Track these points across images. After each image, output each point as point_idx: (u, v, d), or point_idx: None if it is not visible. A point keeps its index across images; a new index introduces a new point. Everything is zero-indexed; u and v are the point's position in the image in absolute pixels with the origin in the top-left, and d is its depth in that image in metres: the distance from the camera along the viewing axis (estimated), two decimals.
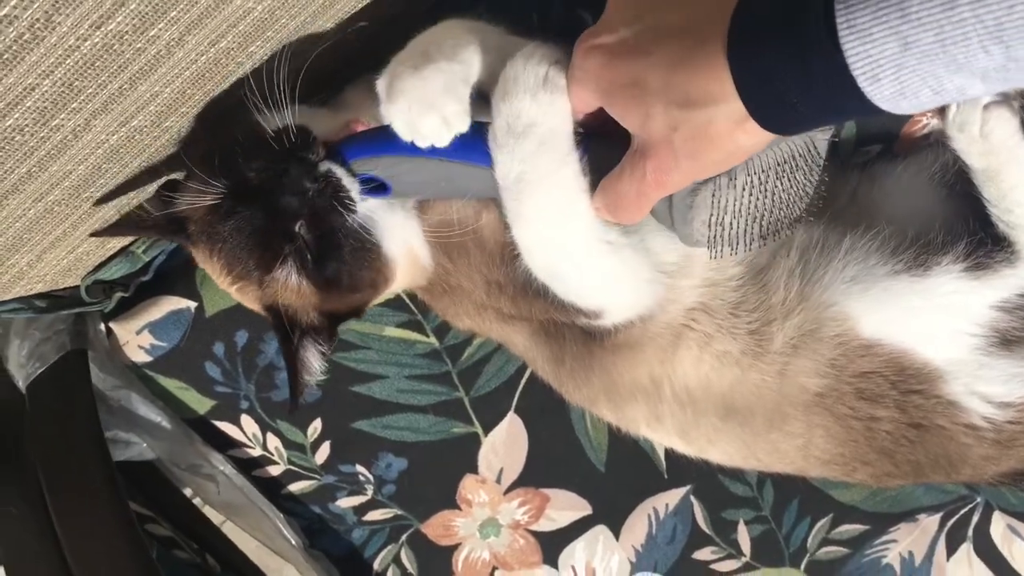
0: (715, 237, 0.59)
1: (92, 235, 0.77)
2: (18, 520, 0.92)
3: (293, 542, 1.02)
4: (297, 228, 0.65)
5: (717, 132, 0.49)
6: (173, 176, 0.75)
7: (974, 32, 0.37)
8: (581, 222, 0.61)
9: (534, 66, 0.57)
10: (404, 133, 0.61)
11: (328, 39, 0.73)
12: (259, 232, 0.66)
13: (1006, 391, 0.68)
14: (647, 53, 0.50)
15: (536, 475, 0.98)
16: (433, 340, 0.92)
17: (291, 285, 0.68)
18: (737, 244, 0.59)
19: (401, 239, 0.71)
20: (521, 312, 0.72)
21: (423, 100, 0.59)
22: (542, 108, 0.57)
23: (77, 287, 0.89)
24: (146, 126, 0.69)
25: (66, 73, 0.56)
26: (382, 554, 1.01)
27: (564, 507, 1.00)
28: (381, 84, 0.62)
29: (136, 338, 0.91)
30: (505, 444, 0.97)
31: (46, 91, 0.57)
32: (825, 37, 0.41)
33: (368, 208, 0.66)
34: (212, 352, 0.91)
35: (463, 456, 0.97)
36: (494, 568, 1.02)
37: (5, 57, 0.51)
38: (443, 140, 0.60)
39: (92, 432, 0.95)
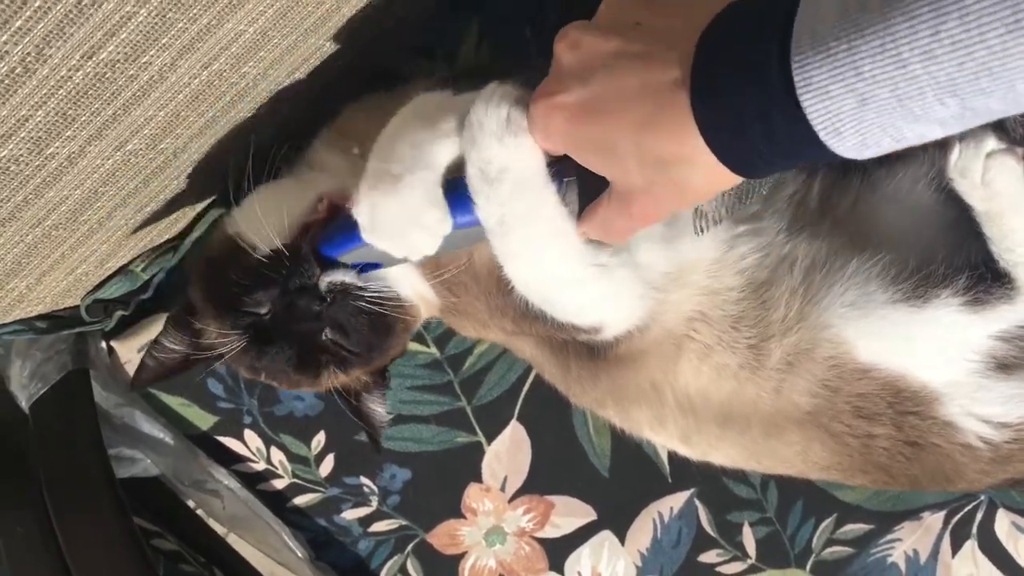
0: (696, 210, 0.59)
1: (132, 389, 0.84)
2: (24, 539, 0.92)
3: (299, 555, 1.02)
4: (324, 338, 0.69)
5: (694, 183, 0.49)
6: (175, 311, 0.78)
7: (928, 87, 0.38)
8: (569, 251, 0.61)
9: (495, 109, 0.56)
10: (397, 254, 0.63)
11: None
12: (293, 358, 0.70)
13: (1004, 412, 0.68)
14: (610, 114, 0.50)
15: (540, 482, 0.98)
16: (434, 350, 0.92)
17: (339, 378, 0.73)
18: (717, 211, 0.59)
19: (409, 284, 0.74)
20: (523, 330, 0.74)
21: (406, 223, 0.61)
22: (510, 152, 0.56)
23: (77, 307, 0.89)
24: (141, 149, 0.69)
25: (59, 103, 0.56)
26: (388, 564, 1.01)
27: (569, 513, 1.00)
28: (361, 214, 0.62)
29: (137, 356, 0.91)
30: (508, 452, 0.97)
31: (40, 121, 0.57)
32: (785, 95, 0.41)
33: (373, 280, 0.69)
34: (214, 368, 0.91)
35: (467, 465, 0.97)
36: None
37: None
38: (431, 248, 0.62)
39: (96, 451, 0.96)
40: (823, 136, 0.42)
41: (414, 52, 0.84)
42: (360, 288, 0.67)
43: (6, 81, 0.51)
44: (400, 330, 0.73)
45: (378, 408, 0.79)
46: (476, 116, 0.57)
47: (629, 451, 0.96)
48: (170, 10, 0.56)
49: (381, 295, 0.68)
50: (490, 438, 0.96)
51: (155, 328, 0.91)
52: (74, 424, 0.94)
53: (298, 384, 0.74)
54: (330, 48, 0.75)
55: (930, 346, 0.68)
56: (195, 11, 0.57)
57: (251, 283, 0.68)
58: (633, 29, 0.50)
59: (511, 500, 0.99)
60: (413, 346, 0.91)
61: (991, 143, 0.62)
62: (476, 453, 0.97)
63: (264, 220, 0.68)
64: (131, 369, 0.93)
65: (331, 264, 0.66)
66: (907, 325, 0.67)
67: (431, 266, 0.72)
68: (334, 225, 0.67)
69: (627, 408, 0.80)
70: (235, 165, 0.76)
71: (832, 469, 0.76)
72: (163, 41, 0.58)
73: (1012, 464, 0.71)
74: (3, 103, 0.52)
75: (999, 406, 0.68)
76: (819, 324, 0.70)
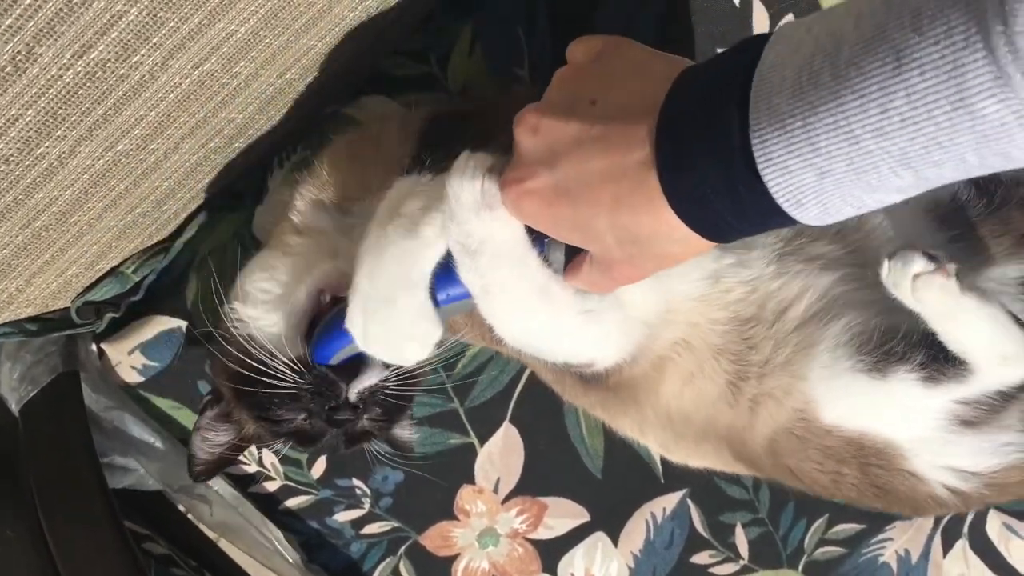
0: None
1: (195, 480, 0.86)
2: (14, 543, 0.92)
3: (290, 559, 1.02)
4: (364, 425, 0.74)
5: (672, 252, 0.50)
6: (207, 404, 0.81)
7: (882, 161, 0.39)
8: (556, 305, 0.61)
9: (469, 182, 0.56)
10: (391, 362, 0.68)
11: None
12: (343, 444, 0.76)
13: (972, 463, 0.70)
14: (581, 197, 0.50)
15: (533, 483, 0.98)
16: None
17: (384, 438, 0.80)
18: None
19: None
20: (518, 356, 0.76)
21: (398, 338, 0.64)
22: (487, 225, 0.56)
23: (67, 309, 0.89)
24: (132, 149, 0.69)
25: (49, 102, 0.56)
26: (381, 567, 1.01)
27: (562, 515, 1.00)
28: (355, 327, 0.65)
29: (128, 358, 0.91)
30: (501, 453, 0.97)
31: (30, 121, 0.57)
32: (747, 168, 0.42)
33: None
34: (204, 371, 0.90)
35: (460, 467, 0.97)
36: None
37: None
38: (424, 355, 0.65)
39: (86, 454, 0.95)
40: (786, 208, 0.43)
41: (408, 55, 0.84)
42: (385, 380, 0.71)
43: None
44: (423, 374, 0.77)
45: (403, 433, 0.84)
46: (451, 189, 0.57)
47: (622, 452, 0.96)
48: (161, 9, 0.55)
49: (404, 373, 0.72)
50: (483, 439, 0.96)
51: (146, 330, 0.90)
52: (64, 427, 0.94)
53: (354, 451, 0.80)
54: (323, 49, 0.75)
55: (892, 411, 0.70)
56: (186, 10, 0.57)
57: (280, 399, 0.71)
58: (590, 107, 0.51)
59: (504, 501, 0.98)
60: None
61: (918, 264, 0.63)
62: (469, 455, 0.96)
63: (268, 322, 0.72)
64: (121, 371, 0.92)
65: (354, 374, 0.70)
66: (870, 393, 0.69)
67: None
68: (321, 327, 0.69)
69: (613, 415, 0.83)
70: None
71: (808, 490, 0.77)
72: (154, 40, 0.58)
73: (980, 502, 0.72)
74: None
75: (967, 459, 0.70)
76: (794, 375, 0.72)
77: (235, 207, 0.89)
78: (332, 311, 0.70)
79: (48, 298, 0.85)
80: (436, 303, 0.62)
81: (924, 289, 0.63)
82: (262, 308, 0.74)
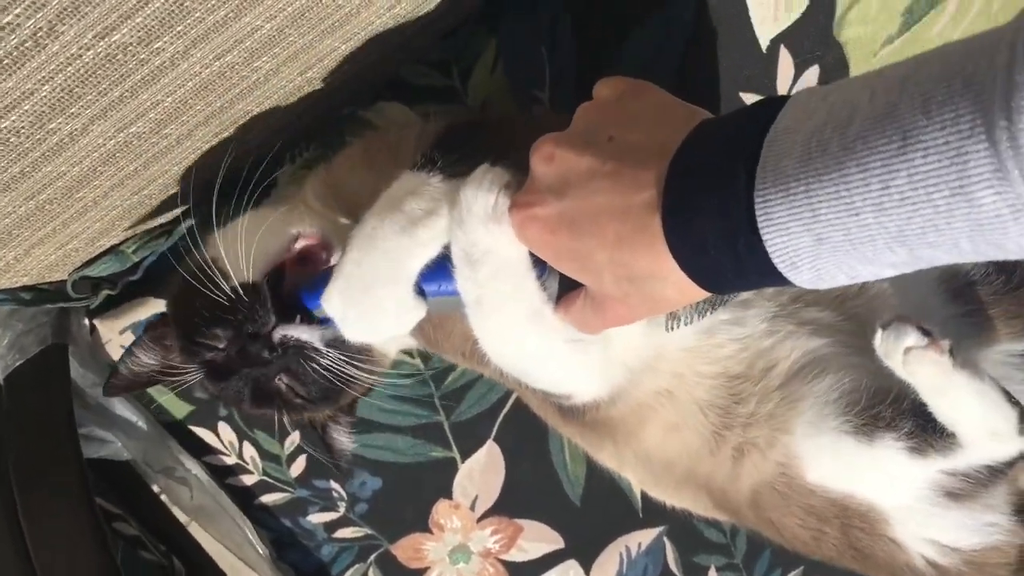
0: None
1: (104, 394, 0.81)
2: None
3: (261, 552, 1.01)
4: (279, 382, 0.68)
5: (667, 296, 0.50)
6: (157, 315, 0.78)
7: (879, 236, 0.39)
8: (544, 330, 0.61)
9: (484, 194, 0.56)
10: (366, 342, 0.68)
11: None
12: (248, 396, 0.70)
13: (954, 538, 0.69)
14: (585, 230, 0.51)
15: (511, 505, 0.97)
16: (418, 362, 0.92)
17: (298, 417, 0.74)
18: (690, 315, 0.60)
19: None
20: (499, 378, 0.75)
21: (375, 324, 0.63)
22: (494, 238, 0.57)
23: (63, 282, 0.88)
24: (145, 132, 0.68)
25: (66, 80, 0.56)
26: (349, 572, 1.00)
27: (537, 539, 0.99)
28: (334, 309, 0.63)
29: (119, 337, 0.91)
30: (482, 472, 0.96)
31: (45, 96, 0.56)
32: (748, 226, 0.43)
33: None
34: None
35: (439, 480, 0.96)
36: None
37: (5, 63, 0.50)
38: (397, 332, 0.64)
39: (67, 427, 0.95)
40: (781, 268, 0.43)
41: (430, 65, 0.84)
42: (316, 351, 0.67)
43: (14, 54, 0.50)
44: (363, 379, 0.72)
45: (342, 439, 0.79)
46: (465, 198, 0.57)
47: (602, 482, 0.95)
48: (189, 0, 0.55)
49: (338, 360, 0.68)
50: (465, 455, 0.95)
51: (140, 311, 0.90)
52: (48, 399, 0.93)
53: (260, 414, 0.74)
54: (346, 51, 0.75)
55: (877, 477, 0.69)
56: (213, 2, 0.57)
57: (212, 316, 0.67)
58: (607, 143, 0.51)
59: (480, 520, 0.98)
60: (398, 356, 0.91)
61: (911, 338, 0.62)
62: (449, 469, 0.96)
63: (240, 251, 0.67)
64: (111, 348, 0.92)
65: (294, 314, 0.66)
66: (855, 456, 0.68)
67: None
68: (321, 274, 0.67)
69: (592, 448, 0.83)
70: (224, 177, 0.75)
71: (788, 544, 0.76)
72: (178, 28, 0.57)
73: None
74: (9, 75, 0.52)
75: (949, 532, 0.69)
76: (780, 428, 0.71)
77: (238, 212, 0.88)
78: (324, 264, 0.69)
79: (46, 269, 0.84)
80: (425, 293, 0.62)
81: (916, 363, 0.63)
82: (239, 240, 0.71)
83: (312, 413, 0.76)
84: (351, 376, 0.70)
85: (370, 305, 0.62)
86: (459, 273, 0.60)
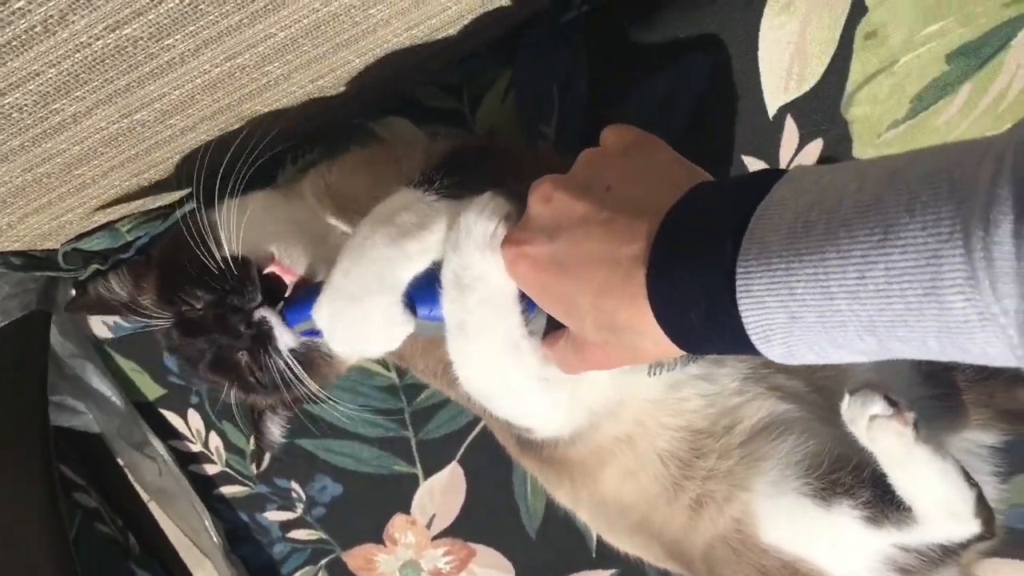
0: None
1: (66, 309, 0.81)
2: None
3: (215, 540, 1.02)
4: (240, 357, 0.69)
5: (645, 349, 0.51)
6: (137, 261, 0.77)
7: (850, 323, 0.40)
8: (519, 363, 0.62)
9: (484, 221, 0.57)
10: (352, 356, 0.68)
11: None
12: (207, 360, 0.70)
13: None
14: (572, 274, 0.52)
15: (467, 528, 0.98)
16: (393, 375, 0.92)
17: (243, 396, 0.73)
18: (673, 364, 0.60)
19: None
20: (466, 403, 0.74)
21: (361, 337, 0.63)
22: (487, 266, 0.57)
23: (55, 251, 0.89)
24: (149, 121, 0.69)
25: (73, 65, 0.57)
26: (299, 574, 1.00)
27: (488, 565, 0.99)
28: (321, 320, 0.64)
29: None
30: (443, 491, 0.96)
31: (50, 78, 0.57)
32: (727, 294, 0.43)
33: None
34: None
35: (399, 494, 0.97)
36: None
37: (13, 44, 0.51)
38: (380, 354, 0.65)
39: (38, 394, 0.96)
40: (753, 339, 0.44)
41: (443, 87, 0.84)
42: (277, 349, 0.68)
43: (23, 36, 0.51)
44: (315, 383, 0.73)
45: (275, 430, 0.79)
46: (466, 221, 0.58)
47: (560, 519, 0.95)
48: (204, 2, 0.56)
49: (291, 367, 0.69)
50: (428, 473, 0.96)
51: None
52: (24, 363, 0.94)
53: (207, 381, 0.74)
54: (359, 65, 0.76)
55: (830, 543, 0.69)
56: (228, 7, 0.58)
57: (198, 277, 0.68)
58: (604, 192, 0.52)
59: (434, 539, 0.98)
60: (373, 366, 0.91)
61: (877, 406, 0.63)
62: (411, 485, 0.96)
63: (241, 226, 0.68)
64: (94, 322, 0.93)
65: (277, 302, 0.68)
66: (811, 520, 0.68)
67: None
68: (303, 291, 0.68)
69: (548, 485, 0.83)
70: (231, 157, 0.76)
71: None
72: (190, 29, 0.58)
73: None
74: (16, 56, 0.53)
75: None
76: (739, 484, 0.71)
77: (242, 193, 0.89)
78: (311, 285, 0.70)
79: (38, 238, 0.85)
80: (415, 314, 0.63)
81: (879, 431, 0.63)
82: (242, 216, 0.72)
83: (260, 397, 0.76)
84: (297, 385, 0.71)
85: (358, 317, 0.62)
86: (446, 295, 0.60)
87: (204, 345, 0.68)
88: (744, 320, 0.43)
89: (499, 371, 0.63)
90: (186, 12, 0.56)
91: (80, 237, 0.89)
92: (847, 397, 0.65)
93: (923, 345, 0.39)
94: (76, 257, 0.91)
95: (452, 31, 0.78)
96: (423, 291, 0.62)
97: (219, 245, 0.68)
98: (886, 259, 0.37)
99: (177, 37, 0.59)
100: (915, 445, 0.63)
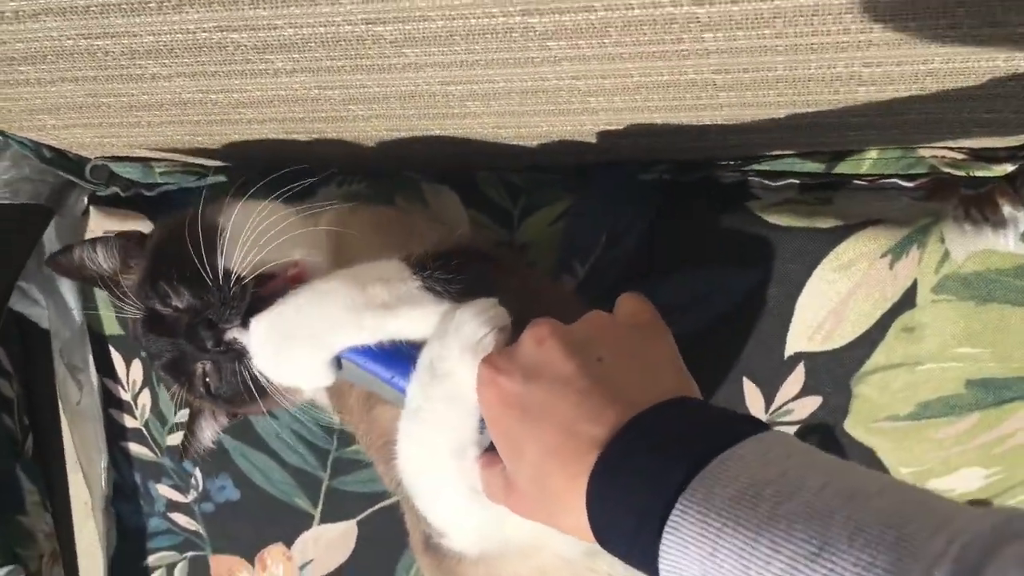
0: None
1: (45, 263, 0.79)
2: None
3: (103, 485, 1.00)
4: (199, 368, 0.67)
5: (563, 524, 0.51)
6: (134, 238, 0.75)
7: None
8: (460, 468, 0.61)
9: (478, 324, 0.57)
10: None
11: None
12: (166, 359, 0.68)
13: None
14: (531, 423, 0.51)
15: None
16: (336, 419, 0.91)
17: (190, 398, 0.72)
18: None
19: None
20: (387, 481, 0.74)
21: (285, 368, 0.63)
22: (464, 367, 0.57)
23: (87, 160, 0.90)
24: (222, 103, 0.70)
25: (171, 41, 0.58)
26: (162, 554, 0.99)
27: None
28: (254, 336, 0.62)
29: (102, 235, 0.91)
30: (329, 543, 0.95)
31: (145, 42, 0.58)
32: (658, 521, 0.43)
33: None
34: None
35: (288, 526, 0.95)
36: None
37: (122, 5, 0.52)
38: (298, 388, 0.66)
39: (11, 274, 0.96)
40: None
41: (504, 183, 0.85)
42: (245, 368, 0.66)
43: (135, 3, 0.52)
44: (265, 404, 0.70)
45: (207, 434, 0.77)
46: (461, 316, 0.58)
47: None
48: (314, 41, 0.57)
49: (261, 378, 0.67)
50: (324, 519, 0.95)
51: (135, 225, 0.91)
52: (10, 243, 0.94)
53: (164, 378, 0.72)
54: (436, 135, 0.76)
55: None
56: (336, 52, 0.59)
57: (189, 276, 0.65)
58: (593, 361, 0.52)
59: (255, 564, 0.97)
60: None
61: None
62: (303, 522, 0.95)
63: (249, 238, 0.66)
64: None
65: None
66: None
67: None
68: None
69: None
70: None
71: None
72: (294, 56, 0.59)
73: None
74: (126, 16, 0.54)
75: None
76: None
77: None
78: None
79: (77, 145, 0.86)
80: (366, 355, 0.62)
81: None
82: (252, 225, 0.68)
83: (208, 404, 0.75)
84: (264, 395, 0.70)
85: (285, 351, 0.62)
86: (417, 377, 0.60)
87: (167, 346, 0.67)
88: (661, 554, 0.43)
89: (438, 467, 0.63)
90: (295, 42, 0.57)
91: (115, 159, 0.89)
92: None
93: None
94: (103, 174, 0.92)
95: (533, 143, 0.79)
96: (397, 357, 0.62)
97: (221, 253, 0.66)
98: (810, 574, 0.37)
99: (280, 56, 0.59)
100: None
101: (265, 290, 0.68)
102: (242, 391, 0.66)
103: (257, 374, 0.66)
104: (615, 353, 0.53)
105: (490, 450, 0.60)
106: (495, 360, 0.56)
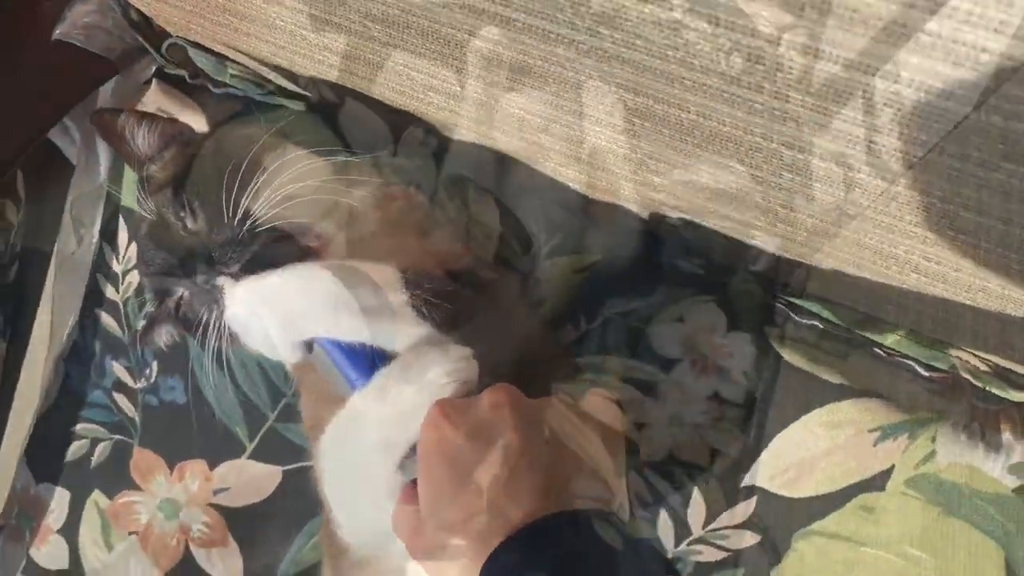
0: None
1: (91, 118, 0.80)
2: None
3: (63, 340, 1.00)
4: (180, 290, 0.68)
5: None
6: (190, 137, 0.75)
7: None
8: (388, 467, 0.61)
9: (445, 373, 0.58)
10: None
11: None
12: (153, 269, 0.70)
13: None
14: (456, 481, 0.53)
15: (239, 524, 0.96)
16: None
17: (159, 312, 0.74)
18: None
19: None
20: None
21: (249, 334, 0.66)
22: (420, 399, 0.58)
23: (167, 36, 0.90)
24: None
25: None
26: (92, 427, 0.99)
27: (225, 559, 0.97)
28: (235, 296, 0.64)
29: (154, 109, 0.91)
30: (251, 479, 0.95)
31: None
32: None
33: None
34: None
35: (218, 447, 0.95)
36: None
37: None
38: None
39: (55, 113, 0.96)
40: None
41: (545, 216, 0.84)
42: (221, 312, 0.67)
43: None
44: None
45: (162, 339, 0.78)
46: (432, 356, 0.59)
47: None
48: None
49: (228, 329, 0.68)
50: (255, 456, 0.94)
51: (191, 116, 0.90)
52: (65, 84, 0.94)
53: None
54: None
55: None
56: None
57: (211, 202, 0.65)
58: (542, 444, 0.54)
59: (209, 504, 0.96)
60: None
61: None
62: (235, 450, 0.94)
63: (280, 190, 0.65)
64: (144, 110, 0.92)
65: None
66: None
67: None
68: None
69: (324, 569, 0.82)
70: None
71: None
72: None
73: None
74: None
75: None
76: None
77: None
78: None
79: (164, 20, 0.86)
80: (339, 349, 0.62)
81: None
82: (287, 179, 0.67)
83: (171, 322, 0.75)
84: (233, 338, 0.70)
85: (257, 320, 0.64)
86: (373, 382, 0.60)
87: (161, 261, 0.67)
88: None
89: (364, 460, 0.63)
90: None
91: (195, 44, 0.89)
92: None
93: None
94: (177, 54, 0.91)
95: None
96: (367, 362, 0.62)
97: (252, 191, 0.65)
98: None
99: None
100: None
101: (272, 250, 0.67)
102: (209, 329, 0.66)
103: (226, 324, 0.67)
104: (562, 439, 0.55)
105: (413, 484, 0.60)
106: (448, 407, 0.57)
